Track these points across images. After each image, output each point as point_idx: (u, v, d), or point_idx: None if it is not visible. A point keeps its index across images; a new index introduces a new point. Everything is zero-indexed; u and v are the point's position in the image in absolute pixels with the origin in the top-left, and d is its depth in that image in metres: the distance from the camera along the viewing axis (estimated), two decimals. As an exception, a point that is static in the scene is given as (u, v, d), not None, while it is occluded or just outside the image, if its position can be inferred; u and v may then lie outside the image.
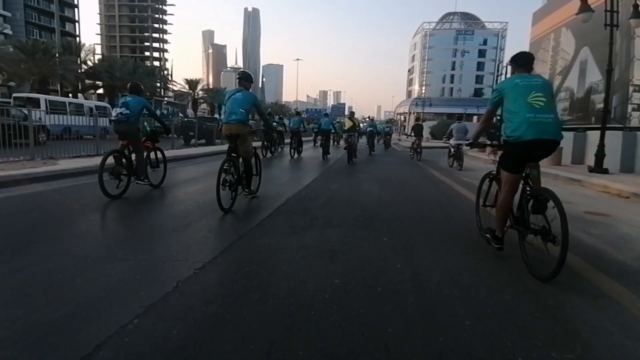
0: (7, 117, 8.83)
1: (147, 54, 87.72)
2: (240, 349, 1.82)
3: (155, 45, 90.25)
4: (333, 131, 15.28)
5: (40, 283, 2.50)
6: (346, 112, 66.88)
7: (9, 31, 47.12)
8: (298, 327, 2.03)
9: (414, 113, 59.85)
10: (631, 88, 12.12)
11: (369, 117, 27.28)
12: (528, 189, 3.17)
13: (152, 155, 6.29)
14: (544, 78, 3.37)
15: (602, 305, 2.48)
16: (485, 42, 78.82)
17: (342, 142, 18.77)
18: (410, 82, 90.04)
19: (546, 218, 2.85)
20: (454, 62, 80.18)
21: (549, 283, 2.73)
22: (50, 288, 2.42)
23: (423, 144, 15.32)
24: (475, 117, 56.03)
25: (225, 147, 5.46)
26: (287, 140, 15.90)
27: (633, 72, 12.05)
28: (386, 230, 4.17)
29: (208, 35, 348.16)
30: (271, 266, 2.93)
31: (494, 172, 3.68)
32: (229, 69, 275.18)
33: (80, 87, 42.96)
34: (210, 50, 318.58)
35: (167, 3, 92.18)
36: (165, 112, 34.37)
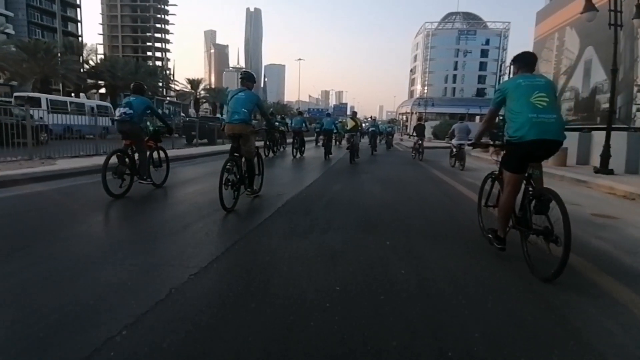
0: (9, 116, 8.73)
1: (149, 53, 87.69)
2: (234, 364, 1.70)
3: (158, 45, 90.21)
4: (335, 131, 15.22)
5: (23, 291, 2.38)
6: (348, 112, 66.81)
7: (11, 31, 47.16)
8: (296, 339, 1.92)
9: (416, 113, 59.57)
10: (635, 88, 11.99)
11: (371, 117, 27.17)
12: (530, 189, 3.16)
13: (155, 154, 6.32)
14: (547, 78, 3.33)
15: (604, 305, 2.47)
16: (487, 42, 78.54)
17: (344, 142, 18.69)
18: (412, 82, 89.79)
19: (549, 218, 2.84)
20: (456, 62, 79.90)
21: (552, 283, 2.71)
22: (34, 296, 2.31)
23: (425, 144, 15.26)
24: (477, 117, 55.80)
25: (226, 146, 5.38)
26: (290, 140, 15.85)
27: (637, 72, 11.93)
28: (389, 232, 4.06)
29: (210, 35, 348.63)
30: (269, 272, 2.81)
31: (496, 172, 3.67)
32: (231, 68, 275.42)
33: (82, 87, 42.96)
34: (212, 50, 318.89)
35: (169, 3, 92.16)
36: (167, 111, 34.35)
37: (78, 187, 6.17)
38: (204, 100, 64.28)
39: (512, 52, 74.81)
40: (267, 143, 13.89)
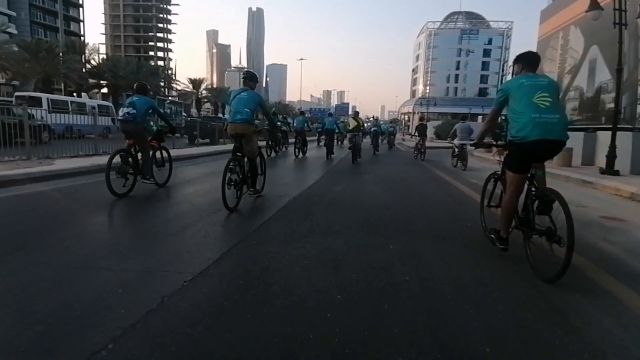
0: (11, 116, 8.65)
1: (151, 53, 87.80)
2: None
3: (160, 45, 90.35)
4: (337, 131, 15.15)
5: (10, 298, 2.27)
6: (350, 112, 66.69)
7: (13, 30, 47.18)
8: (295, 353, 1.80)
9: (418, 113, 59.42)
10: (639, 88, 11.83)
11: (373, 117, 27.01)
12: (533, 189, 3.15)
13: (158, 154, 6.34)
14: (550, 78, 3.29)
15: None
16: (490, 42, 78.15)
17: (346, 142, 18.61)
18: (414, 82, 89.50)
19: (551, 219, 2.82)
20: (458, 62, 79.57)
21: (557, 284, 2.69)
22: (20, 304, 2.20)
23: (427, 144, 15.15)
24: (480, 117, 55.63)
25: (227, 146, 5.32)
26: (292, 140, 15.82)
27: (641, 72, 11.77)
28: (392, 236, 3.93)
29: (212, 35, 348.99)
30: (268, 278, 2.68)
31: (499, 173, 3.65)
32: (233, 68, 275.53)
33: (84, 87, 42.94)
34: (215, 50, 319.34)
35: (172, 3, 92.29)
36: (169, 111, 34.37)
37: (76, 187, 6.07)
38: (206, 100, 64.24)
39: (514, 51, 74.53)
40: (269, 143, 13.86)
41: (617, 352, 1.95)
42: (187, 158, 11.18)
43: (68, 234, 3.61)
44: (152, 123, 6.47)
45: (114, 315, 2.08)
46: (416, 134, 15.22)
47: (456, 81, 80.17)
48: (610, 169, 9.75)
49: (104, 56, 51.65)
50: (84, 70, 40.63)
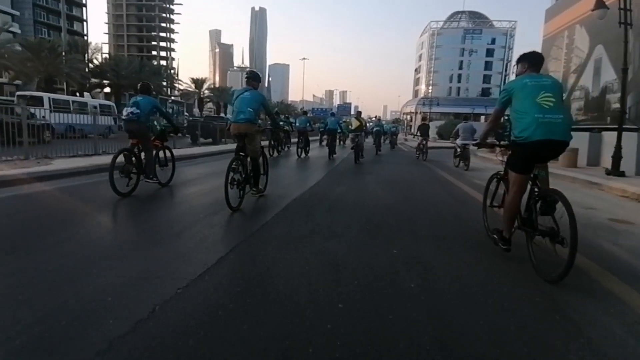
0: (13, 115, 8.59)
1: (154, 53, 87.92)
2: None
3: (163, 44, 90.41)
4: (339, 131, 15.11)
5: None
6: (352, 112, 66.53)
7: (17, 30, 47.28)
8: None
9: (420, 113, 59.20)
10: (645, 88, 11.68)
11: (375, 117, 26.94)
12: (536, 189, 3.13)
13: (161, 154, 6.37)
14: (554, 78, 3.30)
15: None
16: (493, 42, 77.84)
17: (348, 142, 18.55)
18: (417, 82, 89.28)
19: (554, 219, 2.82)
20: (461, 62, 79.29)
21: (561, 285, 2.68)
22: (3, 313, 2.07)
23: (430, 144, 15.08)
24: (482, 117, 55.39)
25: (229, 146, 5.25)
26: (294, 140, 15.79)
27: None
28: (396, 239, 3.80)
29: (215, 35, 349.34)
30: (266, 285, 2.56)
31: (502, 173, 3.64)
32: (235, 68, 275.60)
33: (87, 86, 42.96)
34: (217, 50, 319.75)
35: (175, 2, 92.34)
36: (171, 110, 34.22)
37: (73, 187, 5.94)
38: (208, 100, 64.25)
39: (518, 51, 74.02)
40: (272, 142, 13.84)
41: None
42: (189, 158, 11.10)
43: (58, 237, 3.47)
44: (155, 123, 6.49)
45: (101, 325, 1.96)
46: (418, 134, 15.13)
47: (459, 81, 79.90)
48: (616, 170, 9.65)
49: (107, 55, 51.67)
50: (86, 69, 40.64)
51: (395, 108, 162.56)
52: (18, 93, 21.29)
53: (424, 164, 12.96)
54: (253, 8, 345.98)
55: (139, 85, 6.17)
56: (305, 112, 19.37)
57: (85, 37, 58.33)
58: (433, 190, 7.48)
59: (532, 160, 3.04)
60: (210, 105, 66.54)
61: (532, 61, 3.23)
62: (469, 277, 2.84)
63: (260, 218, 4.54)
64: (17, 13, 53.10)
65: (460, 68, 79.33)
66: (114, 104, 24.89)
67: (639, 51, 11.82)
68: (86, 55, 41.69)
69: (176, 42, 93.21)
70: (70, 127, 10.27)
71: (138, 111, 5.61)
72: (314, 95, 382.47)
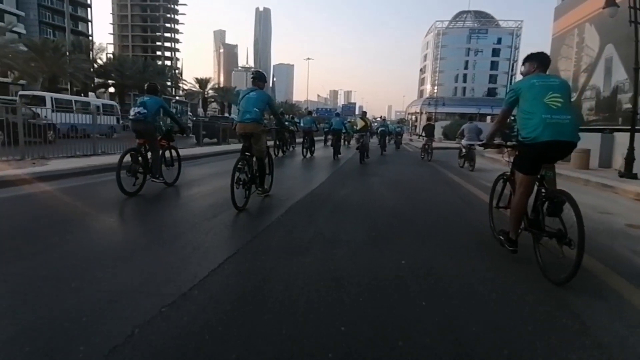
0: (14, 115, 8.45)
1: (158, 53, 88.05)
2: None
3: (167, 44, 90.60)
4: (344, 131, 14.97)
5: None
6: (357, 112, 66.26)
7: (22, 30, 47.41)
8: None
9: (425, 113, 58.78)
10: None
11: (380, 117, 26.68)
12: (543, 190, 3.10)
13: (167, 154, 6.43)
14: (562, 78, 3.34)
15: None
16: (499, 41, 77.15)
17: (353, 142, 18.38)
18: (422, 82, 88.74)
19: (562, 220, 2.79)
20: (467, 61, 78.67)
21: (568, 287, 2.64)
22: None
23: (435, 144, 14.91)
24: (489, 117, 54.87)
25: (232, 146, 5.10)
26: (299, 140, 15.71)
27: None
28: (403, 247, 3.54)
29: (219, 35, 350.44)
30: (260, 303, 2.30)
31: (508, 173, 3.61)
32: (240, 68, 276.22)
33: (92, 86, 42.99)
34: (222, 50, 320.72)
35: (179, 3, 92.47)
36: (174, 110, 34.09)
37: (65, 190, 5.70)
38: (212, 100, 64.21)
39: (524, 51, 73.37)
40: (277, 142, 13.77)
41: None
42: (194, 158, 10.97)
43: (41, 245, 3.22)
44: (161, 122, 6.52)
45: (70, 354, 1.71)
46: (423, 134, 14.95)
47: (464, 81, 79.31)
48: (629, 172, 9.37)
49: (111, 55, 51.71)
50: (90, 69, 40.65)
51: (400, 108, 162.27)
52: (20, 93, 21.26)
53: (430, 165, 12.82)
54: (257, 8, 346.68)
55: (146, 85, 6.23)
56: (310, 112, 19.23)
57: (90, 38, 58.44)
58: (439, 191, 7.37)
59: (539, 161, 3.00)
60: (214, 105, 66.50)
61: (540, 61, 3.20)
62: (484, 293, 2.59)
63: (262, 221, 4.36)
64: (22, 14, 53.29)
65: (466, 68, 78.70)
66: (117, 104, 24.80)
67: (649, 50, 11.51)
68: (90, 55, 41.70)
69: (180, 42, 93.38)
70: (73, 127, 10.16)
71: (145, 111, 5.66)
72: (318, 95, 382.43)
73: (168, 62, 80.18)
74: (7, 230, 3.67)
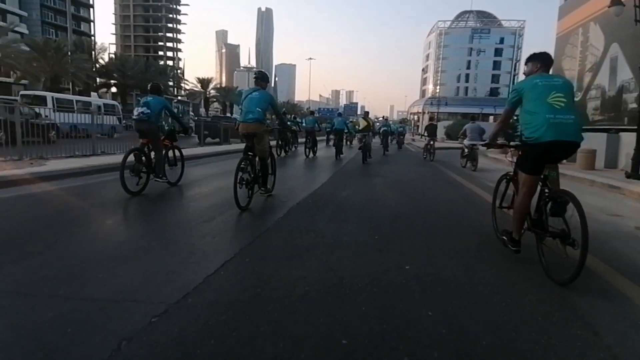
0: (15, 115, 8.39)
1: (160, 53, 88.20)
2: None
3: (169, 44, 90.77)
4: (346, 131, 14.91)
5: None
6: (359, 112, 66.13)
7: (25, 30, 47.49)
8: None
9: (427, 113, 58.59)
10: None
11: (382, 117, 26.60)
12: (546, 190, 3.09)
13: (170, 153, 6.45)
14: (565, 78, 3.28)
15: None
16: (502, 41, 76.89)
17: (355, 142, 18.33)
18: (424, 82, 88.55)
19: (565, 220, 2.77)
20: (469, 61, 78.43)
21: (571, 288, 2.63)
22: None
23: (437, 144, 14.84)
24: (491, 117, 54.67)
25: (234, 146, 5.04)
26: (301, 140, 15.69)
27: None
28: (408, 252, 3.41)
29: (221, 35, 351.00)
30: (257, 313, 2.17)
31: (511, 174, 3.61)
32: (242, 68, 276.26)
33: (94, 85, 43.02)
34: (224, 50, 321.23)
35: (181, 3, 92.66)
36: (176, 110, 34.03)
37: (61, 190, 5.61)
38: (214, 100, 64.20)
39: (527, 50, 73.04)
40: (280, 142, 13.73)
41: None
42: (196, 157, 10.92)
43: (33, 248, 3.11)
44: (164, 123, 6.53)
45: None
46: (426, 134, 14.85)
47: (467, 81, 79.09)
48: (635, 173, 9.22)
49: (113, 55, 51.74)
50: (92, 69, 40.66)
51: (402, 108, 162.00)
52: (22, 93, 21.23)
53: (432, 165, 12.75)
54: (259, 9, 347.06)
55: (149, 85, 6.28)
56: (312, 112, 19.17)
57: (92, 38, 58.47)
58: (442, 191, 7.33)
59: (543, 161, 3.00)
60: (216, 105, 66.49)
61: (543, 61, 3.18)
62: (486, 293, 2.49)
63: (263, 223, 4.28)
64: (25, 14, 53.38)
65: (468, 68, 78.47)
66: (118, 104, 24.75)
67: (654, 49, 11.38)
68: (92, 55, 41.72)
69: (182, 42, 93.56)
70: (75, 127, 10.11)
71: (149, 111, 5.67)
72: (320, 95, 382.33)
73: (170, 62, 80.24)
74: (10, 232, 3.57)
